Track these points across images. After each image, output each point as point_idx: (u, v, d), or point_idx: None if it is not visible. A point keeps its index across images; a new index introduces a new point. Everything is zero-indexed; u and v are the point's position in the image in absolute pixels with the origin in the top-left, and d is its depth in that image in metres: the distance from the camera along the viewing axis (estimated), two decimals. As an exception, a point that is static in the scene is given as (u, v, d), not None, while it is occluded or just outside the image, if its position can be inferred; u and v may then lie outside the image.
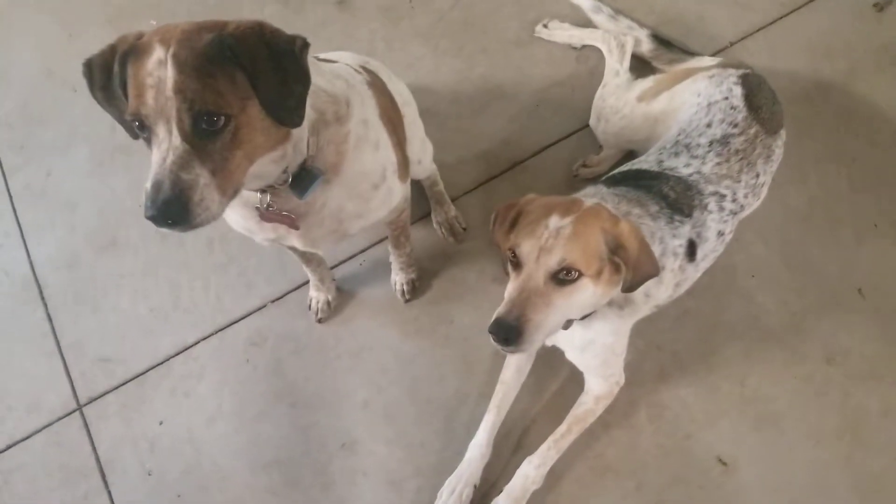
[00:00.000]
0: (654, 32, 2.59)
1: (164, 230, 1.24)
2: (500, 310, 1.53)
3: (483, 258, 2.42)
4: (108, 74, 1.29)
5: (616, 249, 1.54)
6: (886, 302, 2.23)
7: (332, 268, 2.41)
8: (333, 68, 1.58)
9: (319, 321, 2.37)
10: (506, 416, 2.14)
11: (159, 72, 1.19)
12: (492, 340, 1.53)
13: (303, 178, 1.46)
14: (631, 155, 2.42)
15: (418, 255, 2.38)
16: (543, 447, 2.03)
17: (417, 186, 2.48)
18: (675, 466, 2.10)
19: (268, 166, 1.38)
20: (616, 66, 2.52)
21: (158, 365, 2.39)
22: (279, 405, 2.29)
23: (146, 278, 2.52)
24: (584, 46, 2.69)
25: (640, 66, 2.57)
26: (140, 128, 1.24)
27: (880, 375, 2.14)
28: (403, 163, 1.79)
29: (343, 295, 2.41)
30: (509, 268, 1.62)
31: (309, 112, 1.39)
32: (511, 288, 1.57)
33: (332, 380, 2.31)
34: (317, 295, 2.35)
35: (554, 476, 2.05)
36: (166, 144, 1.20)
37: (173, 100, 1.18)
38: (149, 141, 1.24)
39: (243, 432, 2.27)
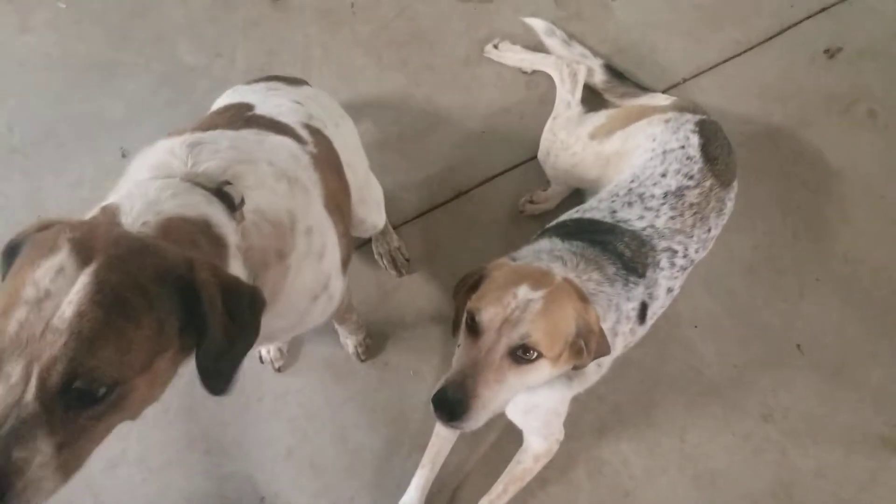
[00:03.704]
0: (608, 62, 2.49)
1: None
2: (447, 378, 1.39)
3: (422, 295, 2.27)
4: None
5: (585, 334, 1.45)
6: (824, 358, 2.23)
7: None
8: (275, 161, 1.30)
9: (279, 370, 2.16)
10: (439, 469, 2.02)
11: (52, 284, 0.86)
12: (433, 413, 1.39)
13: None
14: (577, 192, 2.33)
15: (353, 289, 2.20)
16: (478, 508, 1.93)
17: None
18: (612, 526, 2.04)
19: None
20: (567, 97, 2.41)
21: (56, 403, 2.13)
22: (192, 452, 2.08)
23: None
24: (534, 72, 2.57)
25: (591, 98, 2.48)
26: None
27: (815, 434, 2.14)
28: (347, 255, 1.57)
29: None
30: (463, 332, 1.48)
31: (253, 257, 1.16)
32: (463, 356, 1.43)
33: (252, 425, 2.12)
34: (264, 346, 2.14)
35: (488, 536, 1.95)
36: (14, 396, 0.84)
37: (58, 336, 0.84)
38: None
39: (150, 482, 2.05)
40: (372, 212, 2.02)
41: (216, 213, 1.11)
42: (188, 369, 1.04)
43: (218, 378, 1.02)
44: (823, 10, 2.72)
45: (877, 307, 2.30)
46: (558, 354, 1.43)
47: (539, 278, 1.46)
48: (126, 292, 0.88)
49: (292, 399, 2.15)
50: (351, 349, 2.17)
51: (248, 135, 1.40)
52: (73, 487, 2.02)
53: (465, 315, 1.47)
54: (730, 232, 2.26)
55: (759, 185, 2.42)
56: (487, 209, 2.40)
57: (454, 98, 2.55)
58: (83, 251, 0.89)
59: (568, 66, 2.47)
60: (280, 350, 2.15)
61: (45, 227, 0.96)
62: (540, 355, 1.40)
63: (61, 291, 0.85)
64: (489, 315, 1.40)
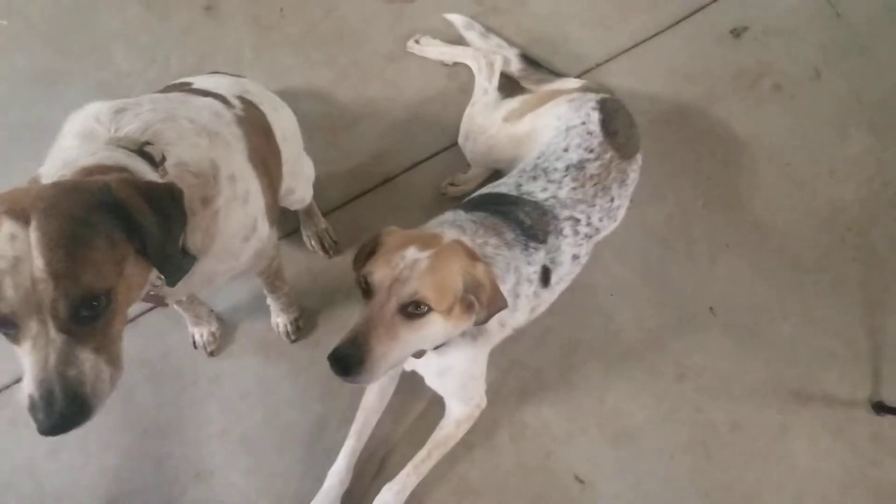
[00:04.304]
0: (523, 52, 2.62)
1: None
2: (343, 337, 1.47)
3: (351, 277, 2.34)
4: None
5: (473, 288, 1.53)
6: (735, 320, 2.33)
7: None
8: (197, 118, 1.44)
9: (211, 354, 2.25)
10: (367, 440, 2.10)
11: (15, 250, 1.01)
12: (331, 370, 1.46)
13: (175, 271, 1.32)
14: (498, 174, 2.43)
15: (285, 272, 2.29)
16: (403, 473, 2.00)
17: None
18: (535, 486, 2.11)
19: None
20: (485, 85, 2.53)
21: (-3, 394, 2.21)
22: (129, 434, 2.16)
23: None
24: (455, 63, 2.69)
25: (510, 86, 2.60)
26: None
27: (728, 391, 2.24)
28: (273, 206, 1.69)
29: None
30: (360, 296, 1.57)
31: None
32: (359, 316, 1.52)
33: (187, 407, 2.20)
34: (198, 330, 2.23)
35: (415, 500, 2.03)
36: (43, 340, 1.05)
37: (46, 283, 1.02)
38: (13, 336, 1.07)
39: (90, 464, 2.13)
40: (301, 183, 2.13)
41: (136, 164, 1.24)
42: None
43: (171, 266, 1.22)
44: (729, -8, 2.86)
45: (785, 269, 2.41)
46: (448, 308, 1.51)
47: (427, 240, 1.55)
48: (71, 228, 1.05)
49: (225, 381, 2.23)
50: (282, 328, 2.25)
51: (174, 96, 1.54)
52: (15, 475, 2.11)
53: (360, 280, 1.56)
54: (642, 204, 2.38)
55: (670, 159, 2.54)
56: (413, 193, 2.50)
57: (380, 91, 2.66)
58: (19, 215, 1.03)
59: (485, 57, 2.59)
60: (213, 335, 2.23)
61: None
62: (430, 309, 1.48)
63: (25, 252, 1.02)
64: (379, 276, 1.49)
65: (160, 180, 1.26)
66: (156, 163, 1.28)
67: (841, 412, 2.22)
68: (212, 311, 2.25)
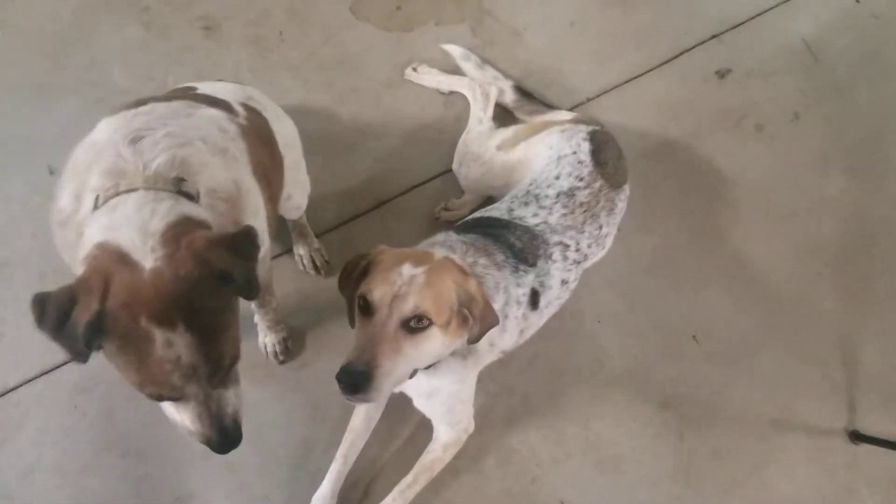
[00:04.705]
0: (518, 84, 2.69)
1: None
2: (348, 356, 1.49)
3: (341, 299, 2.36)
4: (64, 321, 1.17)
5: (467, 302, 1.57)
6: (717, 348, 2.38)
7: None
8: (207, 137, 1.47)
9: None
10: (354, 464, 2.09)
11: (174, 353, 1.19)
12: (339, 389, 1.48)
13: None
14: (491, 200, 2.48)
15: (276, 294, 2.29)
16: (389, 498, 1.99)
17: (281, 221, 2.41)
18: (520, 512, 2.12)
19: None
20: (480, 114, 2.59)
21: (-27, 411, 2.16)
22: (108, 456, 2.12)
23: (-33, 313, 2.28)
24: (451, 92, 2.75)
25: (504, 116, 2.66)
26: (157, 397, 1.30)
27: (711, 419, 2.28)
28: (272, 218, 1.75)
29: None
30: (357, 315, 1.59)
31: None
32: (360, 334, 1.54)
33: (169, 428, 2.12)
34: None
35: (400, 525, 2.01)
36: (203, 395, 1.31)
37: (203, 366, 1.23)
38: (176, 399, 1.31)
39: (66, 486, 2.08)
40: (298, 190, 2.16)
41: (187, 208, 1.31)
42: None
43: (251, 290, 1.32)
44: (714, 36, 2.97)
45: (765, 300, 2.48)
46: (447, 322, 1.55)
47: (420, 257, 1.60)
48: (209, 321, 1.23)
49: (211, 400, 2.20)
50: (269, 349, 2.24)
51: (179, 108, 1.54)
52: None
53: (356, 300, 1.58)
54: (630, 235, 2.44)
55: (657, 192, 2.61)
56: (407, 217, 2.53)
57: (377, 116, 2.70)
58: (165, 320, 1.17)
59: (481, 87, 2.65)
60: None
61: (113, 307, 1.17)
62: (430, 323, 1.52)
63: (181, 351, 1.20)
64: (380, 294, 1.52)
65: (206, 216, 1.34)
66: (195, 198, 1.35)
67: (819, 441, 2.27)
68: None
